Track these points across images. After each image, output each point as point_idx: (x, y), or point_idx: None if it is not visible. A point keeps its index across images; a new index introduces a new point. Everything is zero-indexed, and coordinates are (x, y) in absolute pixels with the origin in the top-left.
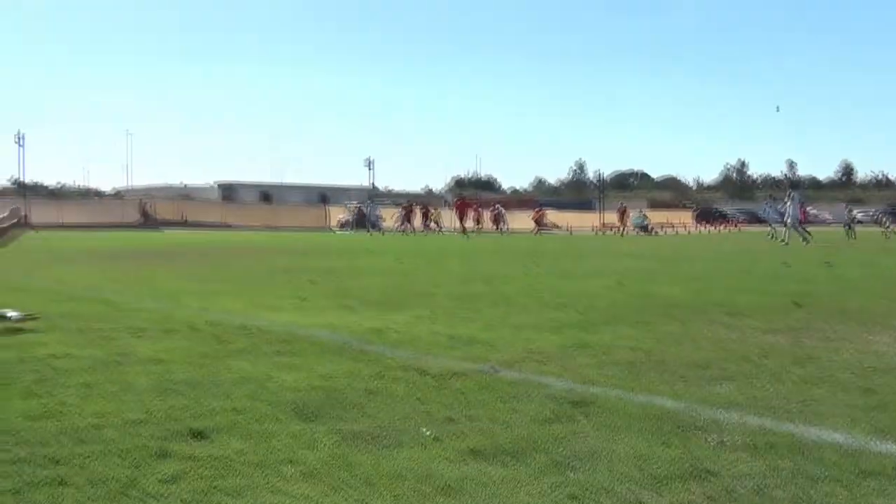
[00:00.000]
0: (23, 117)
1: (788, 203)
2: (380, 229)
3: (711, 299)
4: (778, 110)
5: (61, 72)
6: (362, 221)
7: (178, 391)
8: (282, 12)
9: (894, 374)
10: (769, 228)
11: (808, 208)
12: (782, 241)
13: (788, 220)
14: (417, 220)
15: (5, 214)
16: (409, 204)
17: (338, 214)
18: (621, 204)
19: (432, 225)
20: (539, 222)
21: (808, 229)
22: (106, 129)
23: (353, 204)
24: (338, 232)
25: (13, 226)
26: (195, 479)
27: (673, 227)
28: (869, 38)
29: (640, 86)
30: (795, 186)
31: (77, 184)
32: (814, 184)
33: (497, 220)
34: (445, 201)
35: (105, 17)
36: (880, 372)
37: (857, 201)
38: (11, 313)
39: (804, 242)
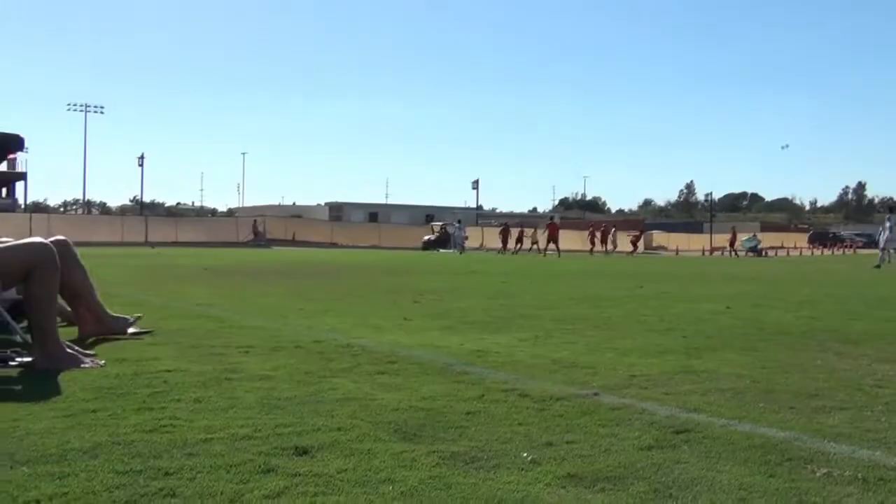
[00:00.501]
0: (145, 139)
1: (888, 225)
2: (462, 249)
3: (823, 326)
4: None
5: (181, 96)
6: (446, 241)
7: (284, 408)
8: (389, 41)
9: None
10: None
11: None
12: (876, 265)
13: (887, 244)
14: (512, 240)
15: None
16: (506, 225)
17: (424, 234)
18: (733, 228)
19: (532, 246)
20: (635, 244)
21: None
22: (222, 150)
23: (439, 224)
24: (428, 251)
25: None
26: (298, 495)
27: (785, 249)
28: None
29: (752, 106)
30: (893, 210)
31: (193, 203)
32: None
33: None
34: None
35: (219, 48)
36: None
37: None
38: (129, 329)
39: (878, 267)
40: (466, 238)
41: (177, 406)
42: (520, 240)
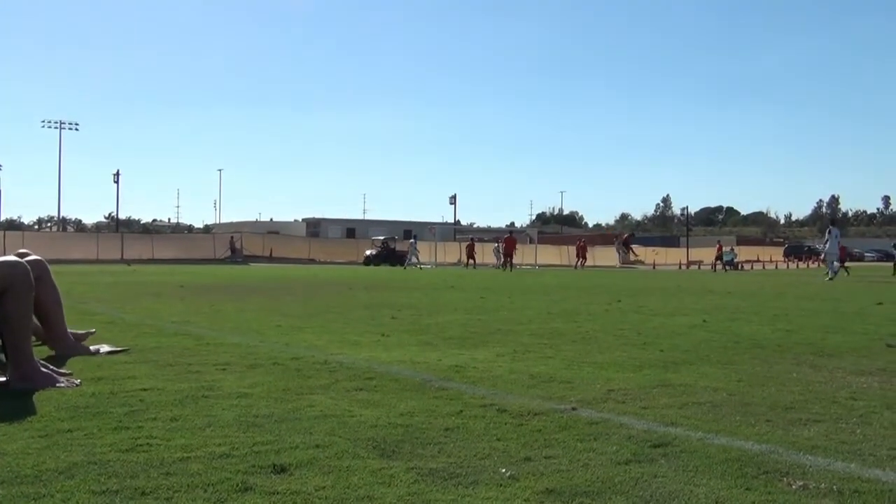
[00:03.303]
0: (120, 156)
1: (827, 238)
2: (412, 264)
3: (798, 339)
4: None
5: (157, 112)
6: (389, 256)
7: (261, 426)
8: (366, 57)
9: None
10: None
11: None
12: (829, 278)
13: (825, 256)
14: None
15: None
16: (471, 240)
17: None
18: (719, 242)
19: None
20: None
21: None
22: (198, 166)
23: (381, 238)
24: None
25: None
26: None
27: (761, 263)
28: None
29: (728, 120)
30: (835, 223)
31: (169, 219)
32: None
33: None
34: (529, 238)
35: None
36: None
37: None
38: (104, 348)
39: (827, 278)
40: (418, 253)
41: (153, 425)
42: (470, 255)
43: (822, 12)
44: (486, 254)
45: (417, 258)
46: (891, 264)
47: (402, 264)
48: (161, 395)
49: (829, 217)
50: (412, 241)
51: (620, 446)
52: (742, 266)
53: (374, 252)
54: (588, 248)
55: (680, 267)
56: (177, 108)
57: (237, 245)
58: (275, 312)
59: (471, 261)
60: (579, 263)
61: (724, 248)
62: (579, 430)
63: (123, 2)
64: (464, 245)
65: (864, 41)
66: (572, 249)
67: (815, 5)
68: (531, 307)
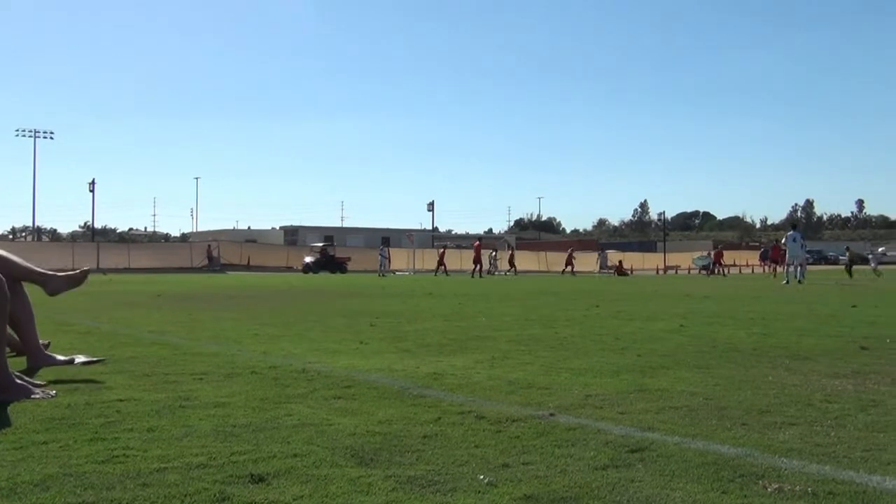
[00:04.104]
0: (95, 164)
1: (785, 241)
2: (384, 272)
3: (774, 342)
4: None
5: (132, 120)
6: (327, 263)
7: (239, 435)
8: (344, 63)
9: None
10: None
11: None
12: (786, 282)
13: (789, 260)
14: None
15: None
16: (444, 247)
17: (304, 257)
18: (719, 246)
19: (490, 267)
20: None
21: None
22: (175, 174)
23: (319, 245)
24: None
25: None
26: None
27: (738, 267)
28: None
29: (704, 126)
30: (795, 226)
31: (146, 228)
32: (885, 223)
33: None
34: (508, 244)
35: (170, 71)
36: None
37: None
38: (80, 358)
39: (784, 282)
40: (388, 261)
41: (130, 436)
42: (442, 262)
43: (797, 19)
44: (465, 261)
45: (387, 265)
46: (861, 267)
47: (341, 271)
48: (138, 406)
49: (805, 221)
50: (382, 248)
51: (598, 452)
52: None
53: (312, 259)
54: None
55: (657, 272)
56: (152, 117)
57: (214, 253)
58: (252, 321)
59: (441, 267)
60: (569, 270)
61: (699, 253)
62: (557, 436)
63: (99, 10)
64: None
65: (838, 47)
66: (551, 255)
67: (790, 12)
68: (509, 313)
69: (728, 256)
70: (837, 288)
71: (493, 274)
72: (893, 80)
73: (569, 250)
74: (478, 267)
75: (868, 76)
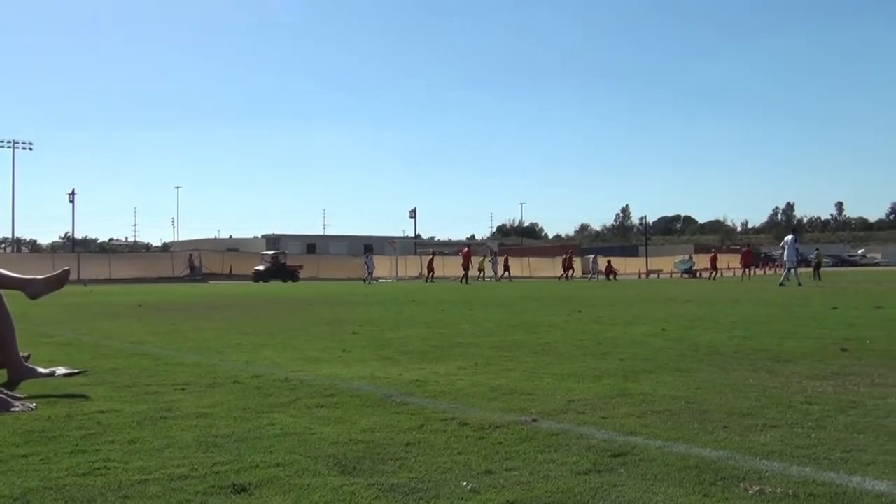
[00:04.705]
0: (75, 175)
1: (783, 245)
2: (370, 279)
3: (755, 345)
4: None
5: (112, 130)
6: (279, 272)
7: (221, 445)
8: (326, 71)
9: None
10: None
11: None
12: (781, 283)
13: (787, 263)
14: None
15: None
16: (433, 254)
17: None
18: (713, 250)
19: (480, 273)
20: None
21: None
22: (155, 184)
23: (270, 253)
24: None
25: None
26: None
27: (719, 270)
28: None
29: (685, 130)
30: (795, 230)
31: (127, 238)
32: (864, 225)
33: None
34: (490, 250)
35: (149, 81)
36: None
37: None
38: (60, 370)
39: (781, 285)
40: (373, 268)
41: (111, 448)
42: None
43: (775, 22)
44: (448, 267)
45: (371, 273)
46: (843, 269)
47: (293, 280)
48: (119, 417)
49: (785, 224)
50: (366, 255)
51: (580, 457)
52: (700, 274)
53: (262, 268)
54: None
55: (640, 276)
56: (132, 126)
57: (196, 263)
58: (235, 330)
59: (430, 273)
60: (568, 275)
61: (681, 257)
62: (540, 442)
63: (78, 20)
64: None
65: (817, 50)
66: (534, 261)
67: (768, 15)
68: (492, 319)
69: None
70: (818, 290)
71: (491, 280)
72: (871, 84)
73: (567, 254)
74: (467, 273)
75: (847, 81)
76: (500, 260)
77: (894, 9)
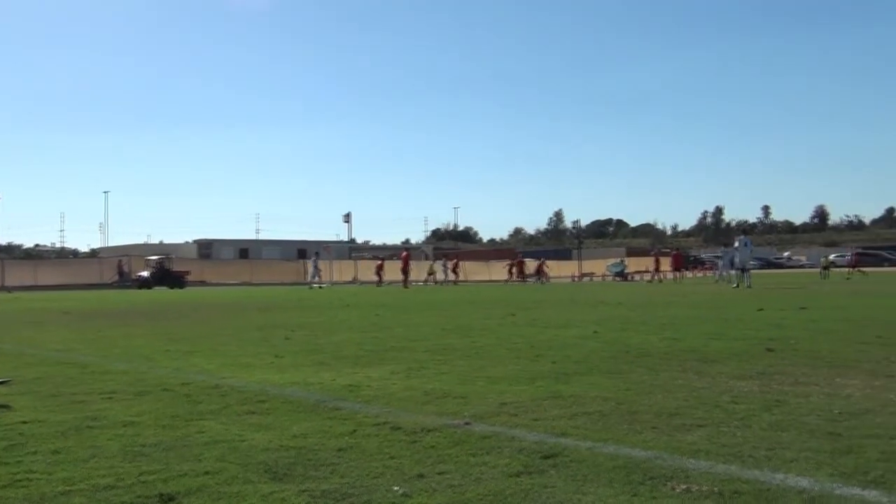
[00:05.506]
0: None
1: (737, 247)
2: (317, 284)
3: (684, 346)
4: None
5: (37, 133)
6: (164, 277)
7: (149, 455)
8: (258, 72)
9: (861, 417)
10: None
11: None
12: (735, 285)
13: (739, 265)
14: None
15: None
16: (382, 259)
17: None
18: (656, 249)
19: (428, 277)
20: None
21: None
22: (83, 189)
23: (155, 258)
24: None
25: None
26: None
27: (650, 273)
28: (843, 88)
29: (617, 134)
30: (746, 232)
31: (53, 244)
32: (789, 228)
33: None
34: (425, 254)
35: (76, 83)
36: (847, 416)
37: (832, 244)
38: None
39: (734, 286)
40: (320, 272)
41: (34, 458)
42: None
43: (701, 28)
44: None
45: (320, 277)
46: (767, 271)
47: (179, 286)
48: (42, 427)
49: (742, 227)
50: (313, 258)
51: (512, 459)
52: (632, 277)
53: (147, 273)
54: (524, 264)
55: (573, 279)
56: (57, 130)
57: (125, 269)
58: (165, 337)
59: (378, 278)
60: (514, 279)
61: (613, 260)
62: (472, 445)
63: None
64: (360, 263)
65: (742, 56)
66: (469, 265)
67: (694, 22)
68: (426, 323)
69: (640, 263)
70: (746, 292)
71: (443, 283)
72: (794, 92)
73: (541, 260)
74: (406, 277)
75: (773, 89)
76: (450, 264)
77: (811, 20)
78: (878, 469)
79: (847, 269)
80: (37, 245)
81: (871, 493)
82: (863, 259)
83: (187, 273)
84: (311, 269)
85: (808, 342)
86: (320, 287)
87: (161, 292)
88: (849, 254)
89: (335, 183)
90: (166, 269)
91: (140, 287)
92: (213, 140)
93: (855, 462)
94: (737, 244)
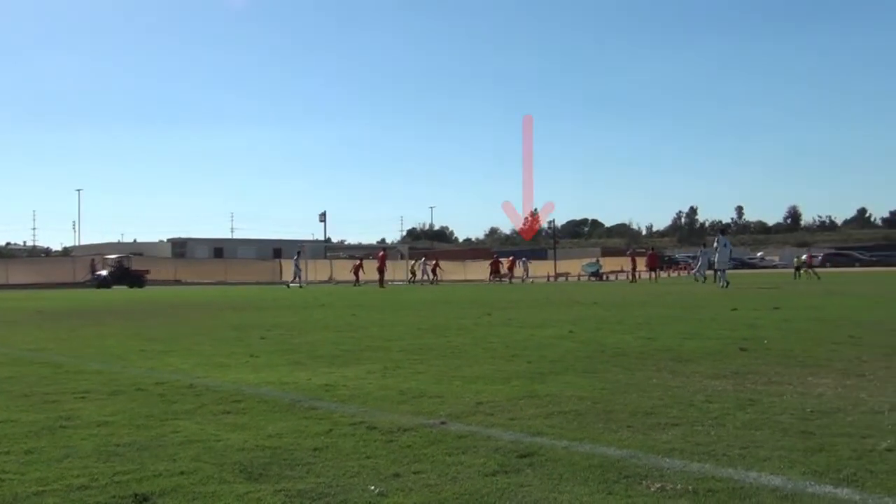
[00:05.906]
0: None
1: (716, 247)
2: (295, 284)
3: (659, 346)
4: None
5: (8, 130)
6: (123, 276)
7: (123, 455)
8: (232, 70)
9: (833, 416)
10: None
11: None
12: (703, 281)
13: (717, 266)
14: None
15: None
16: (360, 259)
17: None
18: (632, 248)
19: (411, 277)
20: (498, 271)
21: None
22: (55, 187)
23: (113, 257)
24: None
25: None
26: None
27: (625, 273)
28: (816, 90)
29: (591, 134)
30: (724, 232)
31: (25, 243)
32: (762, 228)
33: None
34: (401, 254)
35: (47, 79)
36: (819, 414)
37: (804, 244)
38: None
39: (722, 286)
40: (300, 271)
41: (6, 459)
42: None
43: (680, 31)
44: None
45: (300, 277)
46: (740, 271)
47: (139, 285)
48: (15, 427)
49: (719, 227)
50: (295, 257)
51: (488, 458)
52: (607, 277)
53: (106, 273)
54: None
55: (548, 279)
56: (30, 128)
57: (98, 268)
58: (139, 336)
59: (356, 278)
60: (494, 279)
61: (588, 260)
62: (448, 444)
63: None
64: (335, 262)
65: (717, 59)
66: (445, 265)
67: (673, 24)
68: (402, 323)
69: (616, 263)
70: (720, 292)
71: (424, 283)
72: (768, 94)
73: (494, 257)
74: (382, 276)
75: (746, 90)
76: (430, 264)
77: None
78: (850, 467)
79: (801, 270)
80: (8, 243)
81: (843, 491)
82: (835, 258)
83: (147, 272)
84: (292, 268)
85: (781, 342)
86: (300, 286)
87: (132, 292)
88: (804, 255)
89: (310, 182)
90: (125, 268)
91: (98, 286)
92: (188, 138)
93: (827, 460)
94: (716, 244)
